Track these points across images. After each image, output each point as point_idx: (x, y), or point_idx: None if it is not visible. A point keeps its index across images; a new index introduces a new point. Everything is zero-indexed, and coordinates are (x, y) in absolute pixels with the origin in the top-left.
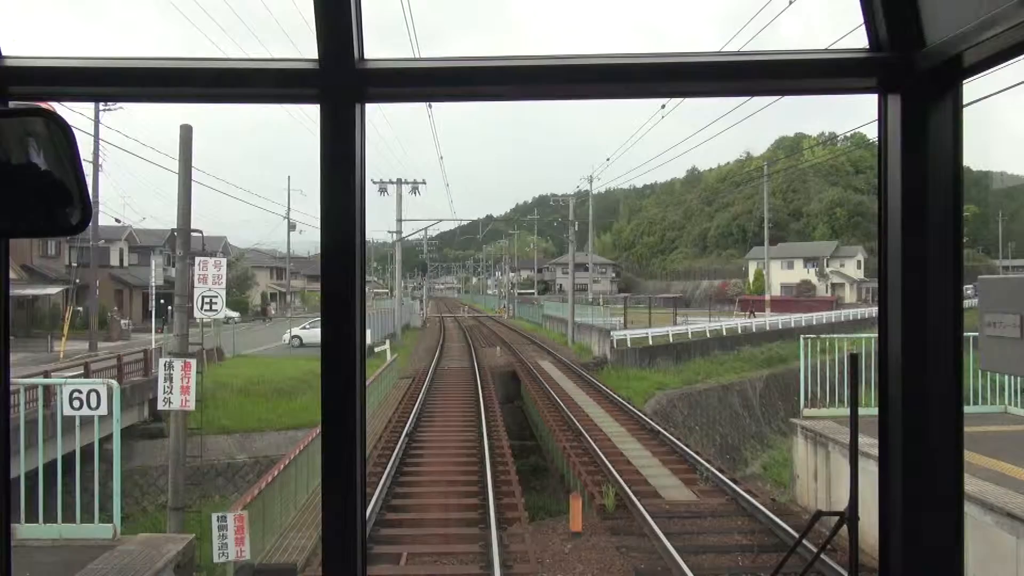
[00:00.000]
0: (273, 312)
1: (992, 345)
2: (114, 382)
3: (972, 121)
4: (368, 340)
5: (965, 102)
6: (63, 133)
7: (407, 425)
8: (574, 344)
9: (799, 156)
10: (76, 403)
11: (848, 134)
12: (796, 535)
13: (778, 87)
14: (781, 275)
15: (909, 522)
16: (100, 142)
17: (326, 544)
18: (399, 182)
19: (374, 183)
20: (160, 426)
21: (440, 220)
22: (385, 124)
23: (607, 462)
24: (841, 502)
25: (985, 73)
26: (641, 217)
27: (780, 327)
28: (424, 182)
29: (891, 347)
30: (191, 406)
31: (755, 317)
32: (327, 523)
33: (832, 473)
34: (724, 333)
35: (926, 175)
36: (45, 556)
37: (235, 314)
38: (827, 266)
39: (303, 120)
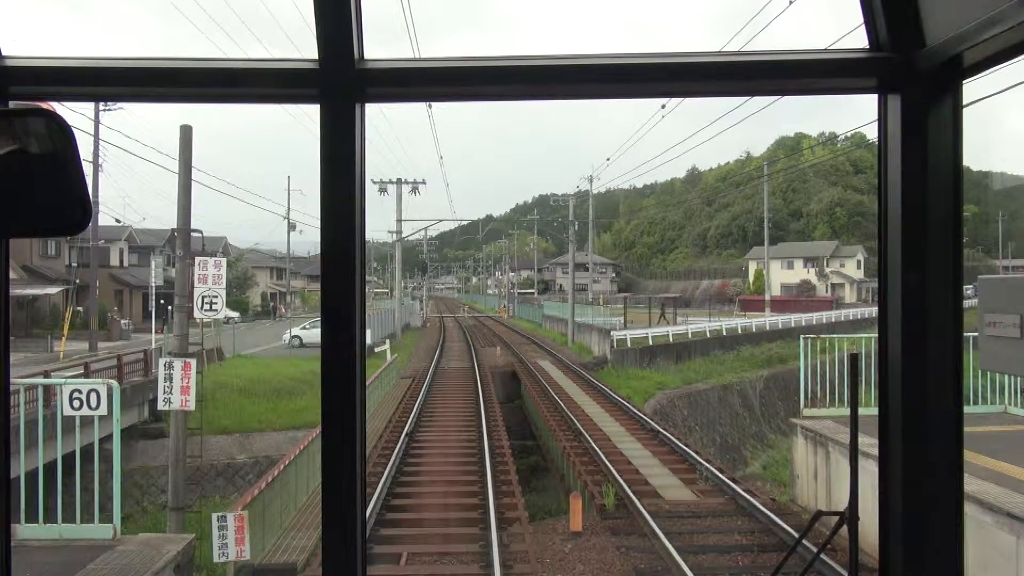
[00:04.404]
0: (284, 311)
1: (992, 345)
2: (114, 382)
3: (972, 121)
4: (368, 340)
5: (965, 102)
6: (63, 133)
7: (407, 425)
8: (574, 344)
9: (799, 156)
10: (76, 403)
11: (848, 134)
12: (796, 535)
13: (778, 87)
14: (781, 275)
15: (909, 522)
16: (100, 142)
17: (326, 544)
18: (399, 182)
19: (374, 183)
20: (160, 426)
21: (440, 220)
22: (385, 124)
23: (607, 462)
24: (841, 502)
25: (985, 73)
26: (641, 217)
27: (780, 327)
28: (424, 182)
29: (891, 347)
30: (191, 406)
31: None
32: (327, 523)
33: (832, 473)
34: (724, 333)
35: (926, 175)
36: (45, 556)
37: (235, 314)
38: (827, 266)
39: (303, 120)
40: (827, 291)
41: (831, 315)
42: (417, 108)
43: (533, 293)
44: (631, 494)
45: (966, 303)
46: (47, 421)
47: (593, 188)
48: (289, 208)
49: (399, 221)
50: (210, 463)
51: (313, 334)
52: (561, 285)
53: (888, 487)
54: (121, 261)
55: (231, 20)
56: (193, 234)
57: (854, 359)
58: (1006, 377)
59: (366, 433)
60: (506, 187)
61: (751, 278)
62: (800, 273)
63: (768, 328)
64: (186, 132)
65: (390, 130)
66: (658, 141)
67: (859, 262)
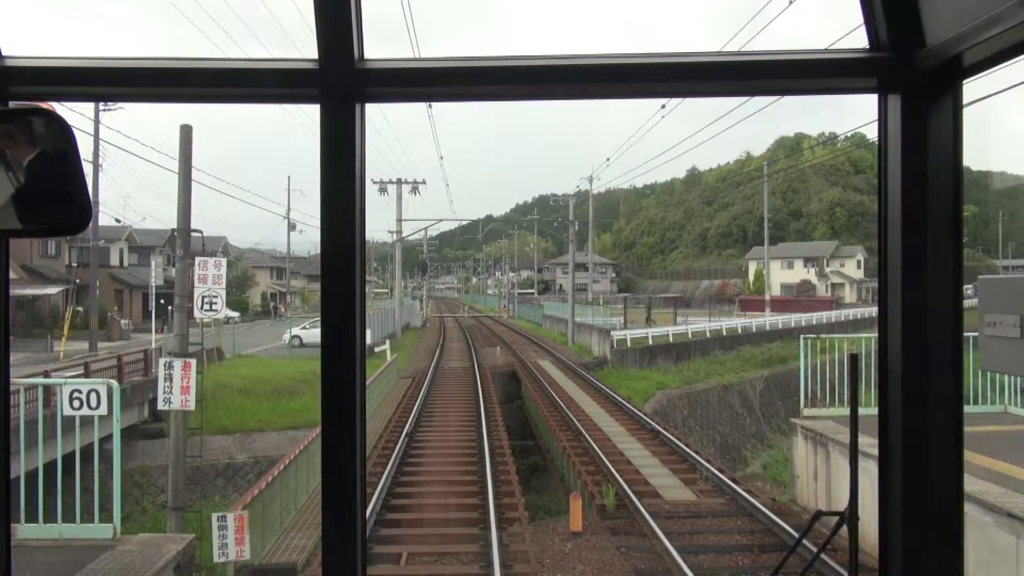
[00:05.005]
0: (283, 311)
1: (992, 345)
2: (114, 382)
3: (972, 121)
4: (368, 340)
5: (965, 102)
6: (63, 133)
7: (407, 425)
8: (574, 344)
9: (799, 156)
10: (76, 403)
11: (848, 134)
12: (796, 535)
13: (778, 87)
14: (781, 275)
15: (909, 522)
16: (100, 142)
17: (326, 544)
18: (399, 182)
19: (374, 183)
20: (160, 426)
21: (440, 220)
22: (385, 124)
23: (607, 462)
24: (841, 502)
25: (985, 73)
26: (641, 217)
27: (780, 327)
28: (424, 182)
29: (891, 347)
30: (191, 406)
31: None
32: (327, 523)
33: (832, 473)
34: (724, 333)
35: (926, 175)
36: (45, 556)
37: (235, 314)
38: (827, 266)
39: (303, 120)
40: (827, 291)
41: (831, 315)
42: (417, 108)
43: (533, 293)
44: (631, 494)
45: (966, 303)
46: (47, 421)
47: (593, 188)
48: (289, 208)
49: (399, 221)
50: (210, 463)
51: (313, 334)
52: (561, 285)
53: (888, 487)
54: (121, 261)
55: (231, 20)
56: (193, 234)
57: (854, 359)
58: (1006, 377)
59: (366, 433)
60: (506, 187)
61: (751, 278)
62: (800, 273)
63: (768, 328)
64: (186, 132)
65: (390, 130)
66: (658, 141)
67: (859, 262)
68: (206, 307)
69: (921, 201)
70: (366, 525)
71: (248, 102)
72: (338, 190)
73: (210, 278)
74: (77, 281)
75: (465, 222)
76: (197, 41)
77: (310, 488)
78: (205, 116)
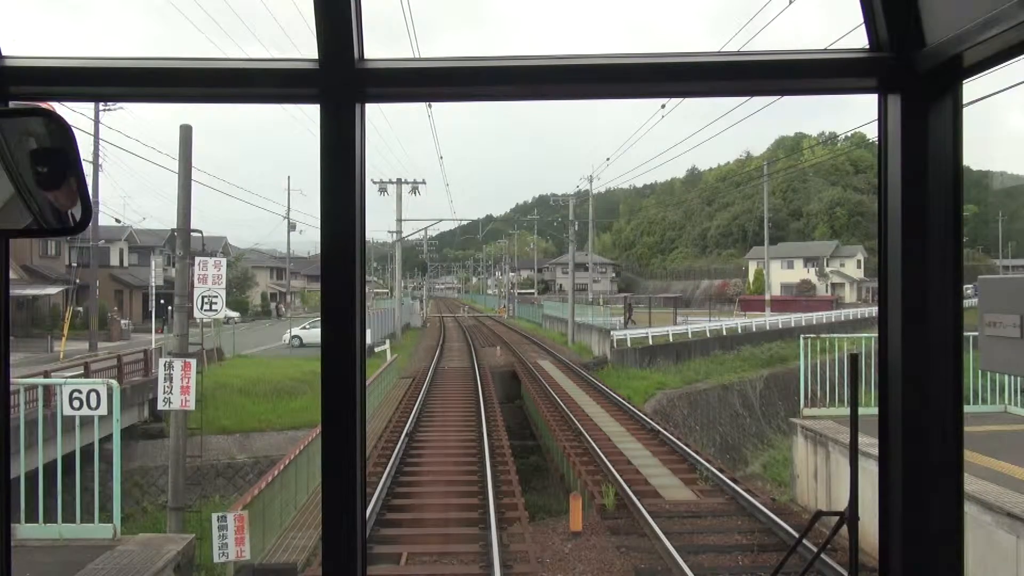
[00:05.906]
0: (284, 310)
1: (992, 345)
2: (114, 382)
3: (972, 121)
4: (368, 340)
5: (965, 102)
6: (63, 133)
7: (407, 425)
8: (574, 344)
9: (799, 156)
10: (76, 403)
11: (848, 134)
12: (796, 535)
13: (778, 87)
14: (781, 275)
15: (909, 522)
16: (100, 142)
17: (326, 544)
18: (399, 182)
19: (374, 183)
20: (160, 426)
21: (440, 220)
22: (385, 124)
23: (607, 462)
24: (841, 502)
25: (985, 73)
26: (641, 217)
27: (780, 327)
28: (424, 182)
29: (891, 347)
30: (191, 406)
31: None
32: (327, 523)
33: (832, 473)
34: (724, 333)
35: (926, 175)
36: (45, 556)
37: (235, 314)
38: (827, 266)
39: (303, 120)
40: (827, 291)
41: (831, 315)
42: (417, 108)
43: (533, 293)
44: (631, 494)
45: (966, 303)
46: (47, 421)
47: (593, 188)
48: (289, 208)
49: (399, 221)
50: (210, 463)
51: (313, 334)
52: (561, 285)
53: (888, 487)
54: (121, 261)
55: (231, 20)
56: (193, 234)
57: (854, 359)
58: (1006, 377)
59: (366, 433)
60: (506, 187)
61: (751, 278)
62: (800, 273)
63: (768, 328)
64: (186, 132)
65: (390, 130)
66: (658, 141)
67: (859, 262)
68: (206, 307)
69: (921, 201)
70: (366, 525)
71: (248, 102)
72: (338, 190)
73: (210, 278)
74: (77, 281)
75: (465, 222)
76: (197, 41)
77: (310, 488)
78: (205, 116)
